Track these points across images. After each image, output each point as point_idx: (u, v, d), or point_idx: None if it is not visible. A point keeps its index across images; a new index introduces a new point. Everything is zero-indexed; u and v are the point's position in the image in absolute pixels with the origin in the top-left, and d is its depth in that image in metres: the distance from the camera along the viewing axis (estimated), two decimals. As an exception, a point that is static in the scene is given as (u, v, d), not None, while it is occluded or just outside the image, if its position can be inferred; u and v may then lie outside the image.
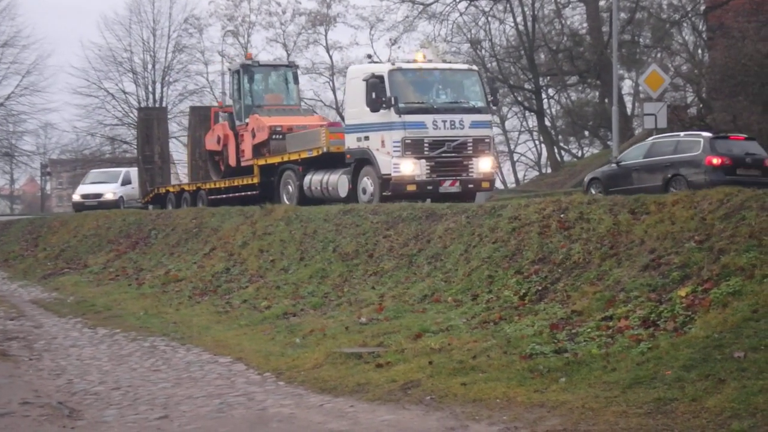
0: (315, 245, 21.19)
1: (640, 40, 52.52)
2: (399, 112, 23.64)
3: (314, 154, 26.49)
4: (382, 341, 14.38)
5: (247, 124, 30.32)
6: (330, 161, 26.16)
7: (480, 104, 25.00)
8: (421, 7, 48.37)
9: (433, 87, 24.64)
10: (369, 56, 36.27)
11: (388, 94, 23.70)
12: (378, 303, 16.72)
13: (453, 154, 24.07)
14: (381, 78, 23.89)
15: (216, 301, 20.41)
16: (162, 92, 54.21)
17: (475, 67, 26.87)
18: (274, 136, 28.68)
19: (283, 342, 15.85)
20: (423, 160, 23.68)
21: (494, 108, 26.43)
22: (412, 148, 23.68)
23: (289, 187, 27.43)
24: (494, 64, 48.64)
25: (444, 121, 24.05)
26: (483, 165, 24.46)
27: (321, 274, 19.61)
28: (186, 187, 34.30)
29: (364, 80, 24.26)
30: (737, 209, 14.04)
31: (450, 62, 28.26)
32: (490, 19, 48.11)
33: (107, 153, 54.03)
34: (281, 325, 17.13)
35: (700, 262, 13.10)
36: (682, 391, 10.31)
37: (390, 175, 23.53)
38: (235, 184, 30.48)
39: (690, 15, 46.08)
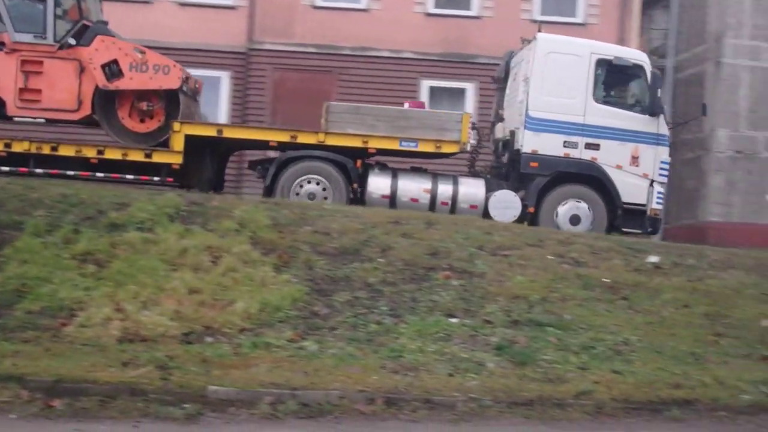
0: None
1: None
2: (669, 122, 13.22)
3: (437, 149, 12.88)
4: None
5: (75, 47, 12.58)
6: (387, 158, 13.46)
7: None
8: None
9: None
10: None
11: (659, 93, 12.91)
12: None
13: None
14: (639, 69, 12.89)
15: None
16: None
17: None
18: (183, 88, 12.78)
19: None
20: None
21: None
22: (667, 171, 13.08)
23: (322, 186, 12.81)
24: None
25: None
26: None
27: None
28: None
29: (619, 63, 12.89)
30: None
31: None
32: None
33: None
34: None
35: None
36: None
37: (646, 206, 12.79)
38: (97, 156, 12.57)
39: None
